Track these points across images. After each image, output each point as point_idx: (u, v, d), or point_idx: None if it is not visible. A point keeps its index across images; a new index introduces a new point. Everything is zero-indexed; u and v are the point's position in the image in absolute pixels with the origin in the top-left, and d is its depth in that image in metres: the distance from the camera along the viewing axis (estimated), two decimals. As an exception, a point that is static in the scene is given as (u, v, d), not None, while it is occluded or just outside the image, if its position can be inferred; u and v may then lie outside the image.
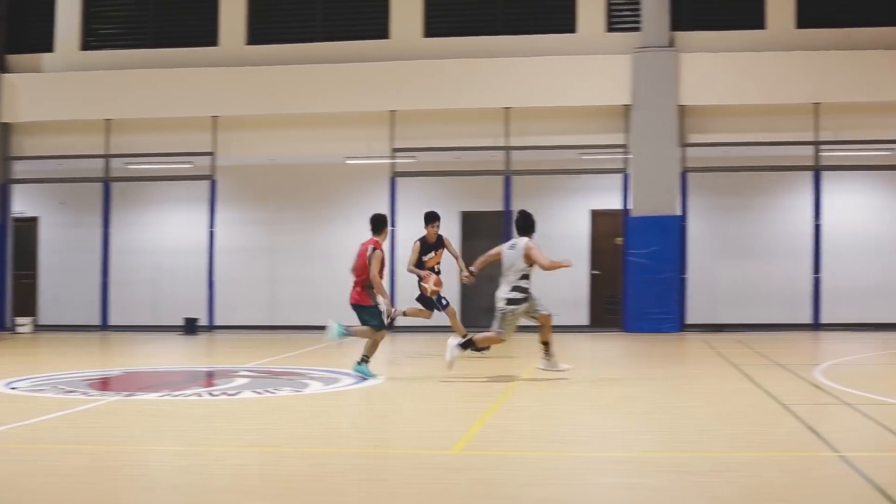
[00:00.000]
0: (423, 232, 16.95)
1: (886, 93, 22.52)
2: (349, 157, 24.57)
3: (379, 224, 14.00)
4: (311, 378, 14.05)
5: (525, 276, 13.40)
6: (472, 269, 14.91)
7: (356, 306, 13.71)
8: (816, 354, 18.32)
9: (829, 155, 23.10)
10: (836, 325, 23.03)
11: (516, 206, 23.63)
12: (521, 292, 13.35)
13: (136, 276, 25.89)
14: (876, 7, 23.28)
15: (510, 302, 13.33)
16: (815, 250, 22.96)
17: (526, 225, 13.80)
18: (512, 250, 13.54)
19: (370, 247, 13.66)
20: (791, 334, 21.89)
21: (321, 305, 22.91)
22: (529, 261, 13.36)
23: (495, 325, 13.45)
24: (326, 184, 25.62)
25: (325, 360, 16.36)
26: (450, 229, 24.96)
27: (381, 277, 13.63)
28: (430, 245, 16.94)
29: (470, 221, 25.20)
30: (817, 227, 22.97)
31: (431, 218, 16.88)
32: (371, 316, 13.67)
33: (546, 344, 13.54)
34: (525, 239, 13.61)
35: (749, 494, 6.96)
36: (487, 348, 15.43)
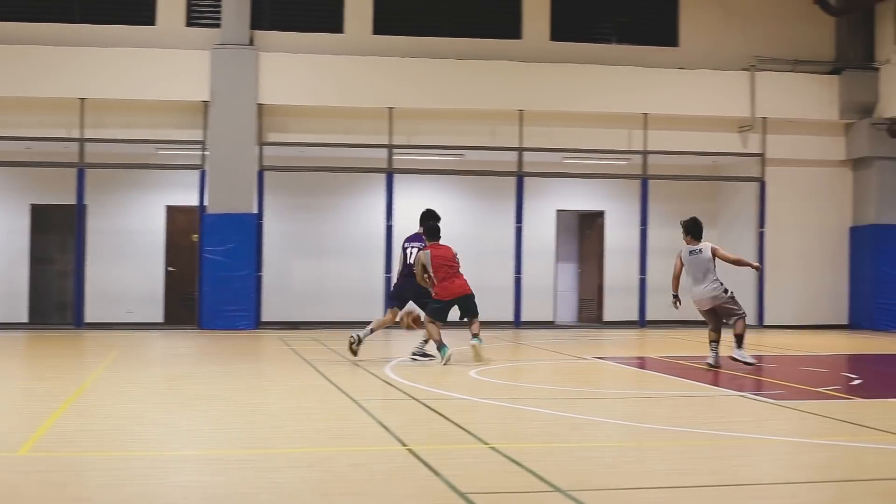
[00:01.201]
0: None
1: (457, 100, 23.59)
2: None
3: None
4: None
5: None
6: None
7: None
8: (387, 351, 18.83)
9: (402, 158, 23.92)
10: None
11: (91, 200, 23.05)
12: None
13: None
14: (448, 18, 24.33)
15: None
16: (387, 250, 23.67)
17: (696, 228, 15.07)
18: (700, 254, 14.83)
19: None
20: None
21: None
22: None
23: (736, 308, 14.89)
24: None
25: None
26: (18, 224, 23.95)
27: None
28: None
29: (40, 215, 24.21)
30: (389, 228, 23.69)
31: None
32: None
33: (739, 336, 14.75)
34: (708, 243, 15.04)
35: (321, 489, 7.07)
36: None
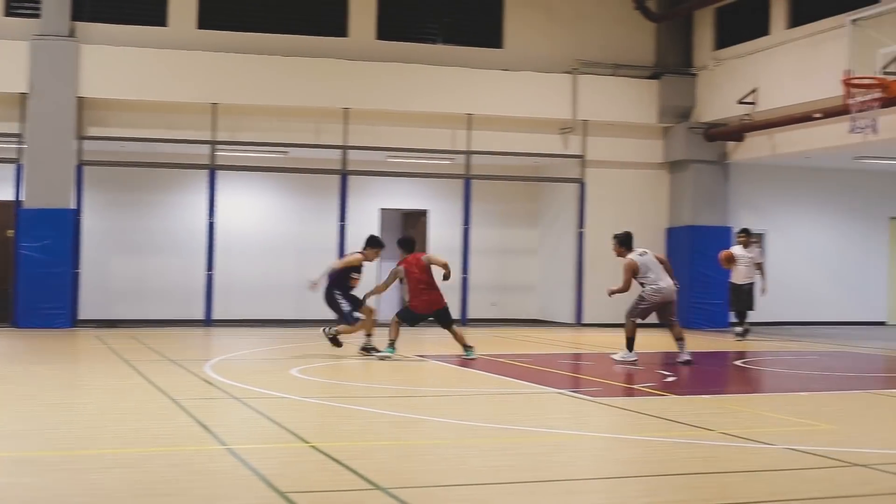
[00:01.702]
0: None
1: (281, 97, 23.45)
2: None
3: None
4: None
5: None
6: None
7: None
8: (208, 350, 18.66)
9: (225, 155, 23.67)
10: (227, 320, 23.62)
11: None
12: None
13: None
14: (274, 14, 24.17)
15: None
16: (209, 247, 23.39)
17: None
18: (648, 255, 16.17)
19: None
20: (185, 330, 22.15)
21: None
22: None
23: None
24: None
25: None
26: None
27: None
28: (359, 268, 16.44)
29: None
30: (211, 225, 23.42)
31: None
32: None
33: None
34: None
35: (138, 490, 6.96)
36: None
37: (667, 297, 16.01)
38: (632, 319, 16.01)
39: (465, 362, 15.59)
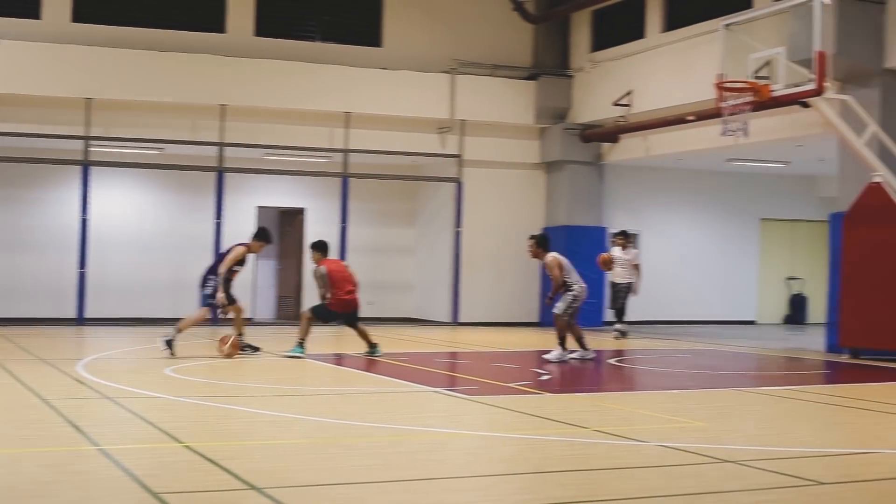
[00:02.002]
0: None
1: (157, 93, 23.15)
2: None
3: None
4: None
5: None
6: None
7: None
8: (81, 349, 18.35)
9: (99, 150, 23.28)
10: (101, 319, 23.24)
11: None
12: None
13: None
14: (150, 9, 23.85)
15: None
16: (82, 245, 23.00)
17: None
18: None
19: None
20: (57, 329, 21.74)
21: None
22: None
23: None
24: None
25: None
26: None
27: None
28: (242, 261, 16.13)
29: None
30: (84, 222, 23.02)
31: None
32: None
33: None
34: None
35: (7, 493, 6.82)
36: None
37: (584, 297, 16.42)
38: (564, 318, 16.23)
39: (341, 361, 15.60)
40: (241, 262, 16.19)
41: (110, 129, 23.18)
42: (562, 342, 16.25)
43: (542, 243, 16.52)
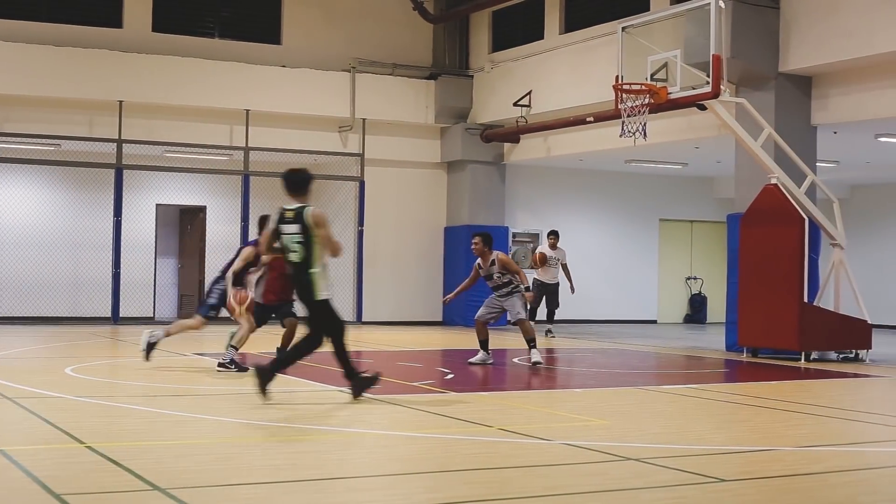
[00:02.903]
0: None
1: (53, 88, 22.81)
2: None
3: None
4: None
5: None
6: None
7: None
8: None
9: (-6, 147, 22.91)
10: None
11: None
12: None
13: None
14: (46, 3, 23.48)
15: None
16: (-24, 243, 22.61)
17: None
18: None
19: None
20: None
21: None
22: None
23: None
24: None
25: None
26: None
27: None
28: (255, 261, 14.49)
29: None
30: (-21, 220, 22.63)
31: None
32: None
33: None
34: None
35: None
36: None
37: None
38: (528, 321, 16.19)
39: (245, 361, 15.45)
40: (253, 262, 15.02)
41: (5, 125, 22.80)
42: (533, 343, 16.06)
43: (487, 241, 16.32)
